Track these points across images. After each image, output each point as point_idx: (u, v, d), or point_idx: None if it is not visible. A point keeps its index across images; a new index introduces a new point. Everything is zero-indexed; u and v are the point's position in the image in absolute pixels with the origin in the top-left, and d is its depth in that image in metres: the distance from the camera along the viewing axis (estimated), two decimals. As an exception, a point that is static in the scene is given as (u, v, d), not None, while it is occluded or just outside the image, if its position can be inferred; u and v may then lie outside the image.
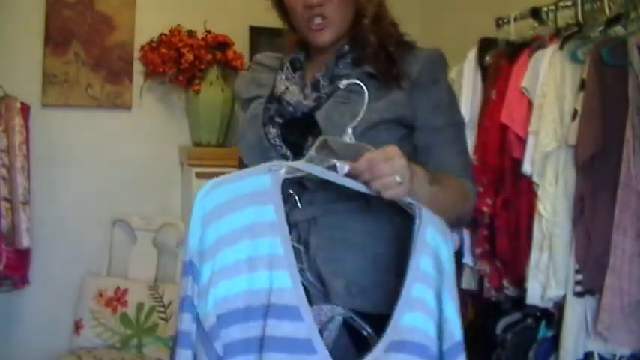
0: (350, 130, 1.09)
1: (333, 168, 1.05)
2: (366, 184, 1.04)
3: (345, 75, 1.28)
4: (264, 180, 1.03)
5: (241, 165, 1.47)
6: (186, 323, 1.00)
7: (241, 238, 1.01)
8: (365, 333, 1.09)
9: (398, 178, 1.02)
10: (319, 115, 1.25)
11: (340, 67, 1.32)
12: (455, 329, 1.04)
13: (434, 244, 1.07)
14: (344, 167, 1.03)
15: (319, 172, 1.05)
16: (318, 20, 1.29)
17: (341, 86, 1.18)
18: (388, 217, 1.19)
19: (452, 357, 1.04)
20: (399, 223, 1.22)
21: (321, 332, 1.03)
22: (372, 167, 1.03)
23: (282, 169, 1.05)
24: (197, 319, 1.00)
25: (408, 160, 1.07)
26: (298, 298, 0.99)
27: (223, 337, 1.00)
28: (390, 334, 1.02)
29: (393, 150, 1.05)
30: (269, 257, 1.00)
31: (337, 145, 1.09)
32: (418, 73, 1.28)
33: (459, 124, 1.35)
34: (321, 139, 1.09)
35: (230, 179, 1.04)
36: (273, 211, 1.02)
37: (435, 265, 1.06)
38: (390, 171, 1.03)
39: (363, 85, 1.12)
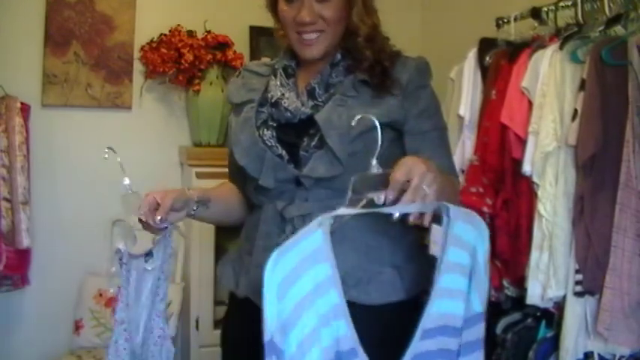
0: (374, 162, 1.15)
1: (372, 201, 1.12)
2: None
3: (339, 82, 1.37)
4: (317, 237, 1.09)
5: (231, 167, 1.51)
6: None
7: (314, 299, 1.07)
8: None
9: (426, 188, 1.08)
10: (319, 117, 1.30)
11: (334, 75, 1.38)
12: (475, 303, 1.18)
13: (465, 236, 1.16)
14: (380, 197, 1.11)
15: (359, 210, 1.12)
16: (308, 36, 1.35)
17: (353, 124, 1.20)
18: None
19: (470, 325, 1.18)
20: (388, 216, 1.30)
21: None
22: (405, 186, 1.07)
23: (328, 221, 1.11)
24: None
25: (423, 160, 1.12)
26: (354, 341, 1.09)
27: None
28: (424, 322, 1.13)
29: (409, 161, 1.09)
30: (333, 308, 1.08)
31: (369, 178, 1.16)
32: (407, 80, 1.35)
33: (443, 129, 1.43)
34: (353, 179, 1.16)
35: (289, 247, 1.08)
36: (329, 267, 1.09)
37: (469, 253, 1.17)
38: (418, 182, 1.07)
39: (378, 124, 1.15)
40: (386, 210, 1.10)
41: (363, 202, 1.13)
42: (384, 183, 1.12)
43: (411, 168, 1.08)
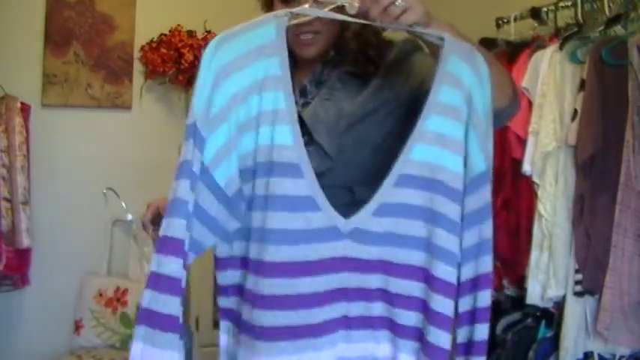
0: None
1: (341, 8, 1.02)
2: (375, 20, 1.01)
3: (329, 78, 1.35)
4: (269, 30, 1.00)
5: None
6: (183, 191, 0.96)
7: (251, 94, 0.97)
8: None
9: (399, 2, 0.97)
10: (306, 114, 1.29)
11: (325, 73, 1.37)
12: (476, 162, 1.03)
13: (460, 75, 1.02)
14: (353, 4, 1.00)
15: (324, 14, 1.02)
16: (306, 36, 1.33)
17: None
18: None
19: (473, 189, 1.03)
20: None
21: None
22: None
23: (286, 16, 1.02)
24: (203, 185, 0.97)
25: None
26: (299, 155, 0.97)
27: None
28: (400, 167, 1.00)
29: None
30: (273, 112, 0.97)
31: None
32: (392, 55, 1.31)
33: None
34: None
35: (236, 33, 0.99)
36: (277, 65, 0.99)
37: (464, 97, 1.02)
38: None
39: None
40: (354, 20, 0.99)
41: (332, 6, 1.02)
42: None
43: None
